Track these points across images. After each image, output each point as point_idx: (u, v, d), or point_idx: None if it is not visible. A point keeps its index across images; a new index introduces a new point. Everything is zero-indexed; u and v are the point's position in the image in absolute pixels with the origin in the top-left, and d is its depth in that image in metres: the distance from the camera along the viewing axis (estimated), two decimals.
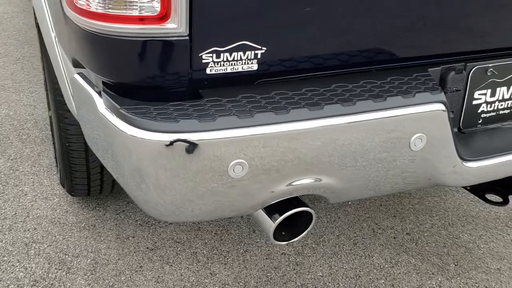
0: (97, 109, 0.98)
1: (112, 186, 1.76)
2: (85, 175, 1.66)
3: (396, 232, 1.80)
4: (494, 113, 1.37)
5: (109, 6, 0.86)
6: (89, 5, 0.87)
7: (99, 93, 1.01)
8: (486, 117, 1.36)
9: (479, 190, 1.52)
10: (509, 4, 1.21)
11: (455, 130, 1.34)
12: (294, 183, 1.03)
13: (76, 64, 1.07)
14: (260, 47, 0.96)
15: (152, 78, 0.94)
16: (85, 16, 0.89)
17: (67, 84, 1.27)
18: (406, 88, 1.07)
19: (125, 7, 0.86)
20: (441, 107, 1.07)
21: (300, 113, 0.97)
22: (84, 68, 1.05)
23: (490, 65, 1.30)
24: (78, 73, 1.10)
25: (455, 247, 1.75)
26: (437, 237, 1.79)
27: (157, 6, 0.85)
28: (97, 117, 1.00)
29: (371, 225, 1.82)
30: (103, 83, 0.99)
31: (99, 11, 0.87)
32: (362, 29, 1.06)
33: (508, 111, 1.39)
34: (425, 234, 1.80)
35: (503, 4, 1.20)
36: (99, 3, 0.87)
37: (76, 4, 0.90)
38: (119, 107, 0.93)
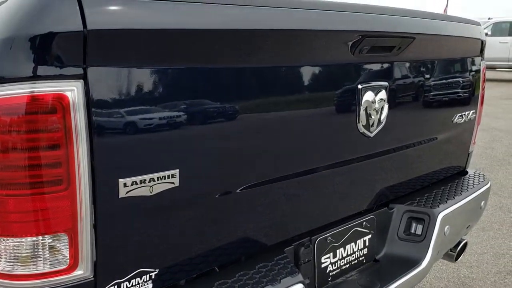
0: None
1: None
2: None
3: None
4: (339, 270, 1.71)
5: (18, 266, 0.98)
6: None
7: None
8: (333, 274, 1.69)
9: None
10: (334, 191, 1.60)
11: None
12: None
13: None
14: (153, 269, 1.15)
15: None
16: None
17: None
18: (273, 276, 1.34)
19: (35, 265, 0.98)
20: (301, 286, 1.35)
21: None
22: None
23: (328, 234, 1.66)
24: None
25: None
26: None
27: (67, 259, 1.00)
28: None
29: None
30: None
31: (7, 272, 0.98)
32: (231, 230, 1.32)
33: (348, 265, 1.75)
34: None
35: (332, 192, 1.59)
36: (7, 263, 0.98)
37: None
38: None
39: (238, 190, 1.28)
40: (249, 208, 1.34)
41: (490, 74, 17.81)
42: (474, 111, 2.22)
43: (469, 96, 2.16)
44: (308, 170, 1.47)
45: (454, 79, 2.03)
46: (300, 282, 1.36)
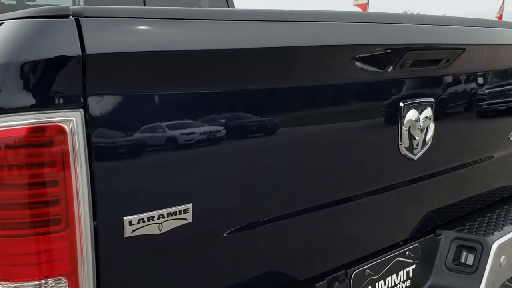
0: None
1: None
2: None
3: None
4: None
5: None
6: None
7: None
8: None
9: None
10: (372, 220, 1.45)
11: None
12: None
13: None
14: None
15: None
16: None
17: None
18: None
19: None
20: None
21: None
22: None
23: (366, 267, 1.50)
24: None
25: None
26: None
27: None
28: None
29: None
30: None
31: None
32: (256, 265, 1.20)
33: None
34: None
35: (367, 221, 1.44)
36: None
37: None
38: None
39: (262, 220, 1.16)
40: (277, 240, 1.21)
41: None
42: None
43: None
44: (343, 198, 1.33)
45: (510, 92, 1.83)
46: None
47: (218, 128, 1.01)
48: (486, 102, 1.69)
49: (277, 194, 1.16)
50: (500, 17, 21.47)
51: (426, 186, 1.59)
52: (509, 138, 1.86)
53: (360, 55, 1.19)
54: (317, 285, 1.37)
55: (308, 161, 1.20)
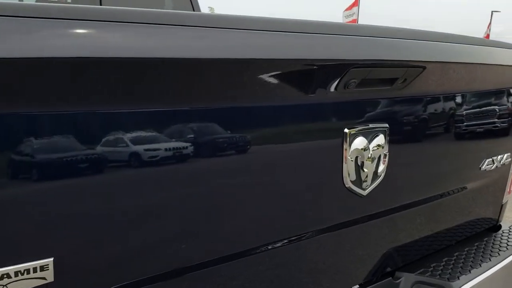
0: None
1: None
2: None
3: None
4: None
5: None
6: None
7: None
8: None
9: None
10: None
11: None
12: None
13: None
14: None
15: None
16: None
17: None
18: None
19: None
20: None
21: None
22: None
23: None
24: None
25: None
26: None
27: None
28: None
29: None
30: None
31: None
32: None
33: None
34: None
35: None
36: None
37: None
38: None
39: (152, 276, 0.93)
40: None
41: None
42: (509, 154, 1.79)
43: (503, 137, 1.75)
44: (277, 242, 1.11)
45: (481, 116, 1.63)
46: None
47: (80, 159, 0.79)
48: (451, 128, 1.49)
49: (174, 242, 0.93)
50: (487, 37, 21.65)
51: (381, 224, 1.38)
52: (480, 168, 1.65)
53: (287, 72, 0.97)
54: None
55: (227, 200, 0.98)
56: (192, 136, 0.89)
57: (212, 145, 0.93)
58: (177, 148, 0.88)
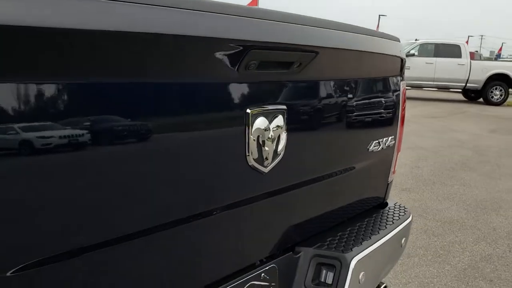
0: None
1: None
2: None
3: None
4: None
5: None
6: None
7: None
8: None
9: None
10: None
11: None
12: None
13: None
14: None
15: None
16: None
17: None
18: None
19: None
20: None
21: None
22: None
23: None
24: None
25: None
26: None
27: None
28: None
29: None
30: None
31: None
32: None
33: None
34: None
35: None
36: None
37: None
38: None
39: (64, 253, 0.91)
40: (90, 278, 0.97)
41: (416, 93, 18.62)
42: (393, 136, 1.98)
43: (387, 121, 1.92)
44: (188, 217, 1.13)
45: (368, 102, 1.78)
46: None
47: None
48: (342, 111, 1.61)
49: (83, 217, 0.92)
50: None
51: (281, 201, 1.46)
52: (368, 149, 1.81)
53: (197, 50, 1.00)
54: None
55: (126, 179, 0.98)
56: (80, 107, 0.88)
57: (110, 120, 0.93)
58: (51, 119, 0.87)
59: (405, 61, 2.00)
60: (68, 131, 0.84)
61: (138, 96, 0.95)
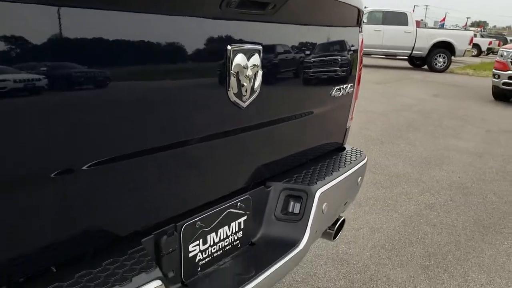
0: None
1: None
2: None
3: None
4: (210, 258, 1.52)
5: None
6: None
7: None
8: (204, 263, 1.49)
9: None
10: (198, 168, 1.39)
11: (179, 284, 1.42)
12: None
13: None
14: None
15: None
16: None
17: None
18: (122, 274, 1.09)
19: None
20: (159, 283, 1.12)
21: None
22: None
23: (197, 219, 1.45)
24: None
25: None
26: None
27: None
28: None
29: None
30: None
31: None
32: (68, 218, 1.05)
33: (220, 252, 1.56)
34: None
35: (196, 169, 1.38)
36: None
37: None
38: None
39: (83, 168, 1.01)
40: (95, 191, 1.07)
41: (365, 61, 19.06)
42: (352, 84, 2.15)
43: (347, 70, 2.08)
44: (170, 144, 1.24)
45: (332, 50, 1.93)
46: (157, 278, 1.13)
47: None
48: (310, 57, 1.75)
49: (99, 137, 1.02)
50: None
51: (256, 137, 1.59)
52: (330, 94, 1.97)
53: None
54: (143, 240, 1.27)
55: (126, 104, 1.08)
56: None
57: (87, 55, 1.02)
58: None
59: (362, 13, 2.15)
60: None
61: (123, 29, 1.04)
